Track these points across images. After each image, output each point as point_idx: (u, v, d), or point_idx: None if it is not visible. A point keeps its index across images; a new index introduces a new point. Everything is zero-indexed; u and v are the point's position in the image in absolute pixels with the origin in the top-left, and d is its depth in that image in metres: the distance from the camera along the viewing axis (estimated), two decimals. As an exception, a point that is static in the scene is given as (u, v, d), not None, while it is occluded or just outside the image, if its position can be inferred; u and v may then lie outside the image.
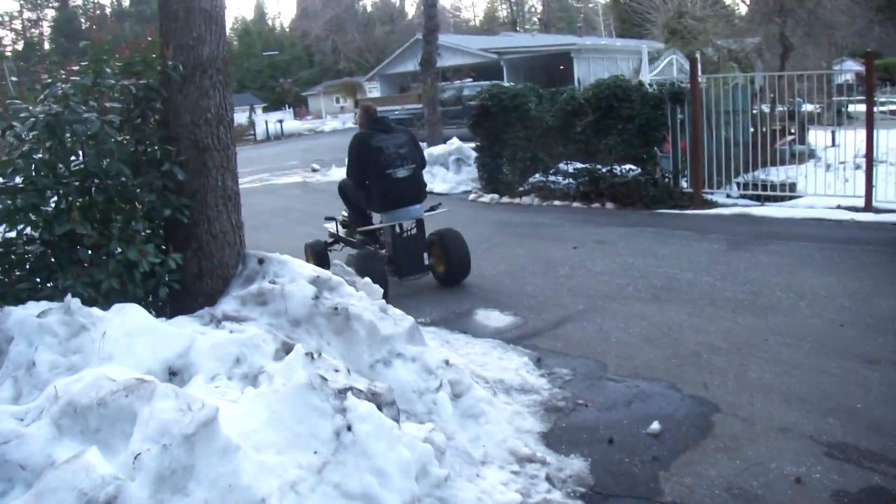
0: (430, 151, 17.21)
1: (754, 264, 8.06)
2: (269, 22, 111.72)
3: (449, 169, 16.70)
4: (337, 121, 55.25)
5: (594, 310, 6.97)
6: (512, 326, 6.80)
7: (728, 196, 12.03)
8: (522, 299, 7.56)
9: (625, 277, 7.94)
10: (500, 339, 6.37)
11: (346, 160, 8.49)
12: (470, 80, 25.76)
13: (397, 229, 8.28)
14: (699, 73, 12.27)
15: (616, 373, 5.45)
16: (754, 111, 12.39)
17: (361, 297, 5.20)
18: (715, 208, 11.44)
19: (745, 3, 20.59)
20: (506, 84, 14.94)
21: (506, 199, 13.99)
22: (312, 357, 3.70)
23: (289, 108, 61.12)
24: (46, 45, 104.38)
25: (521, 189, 14.02)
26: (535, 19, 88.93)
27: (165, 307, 5.34)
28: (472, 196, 14.84)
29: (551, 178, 13.63)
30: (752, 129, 12.15)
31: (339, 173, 20.24)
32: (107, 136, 4.79)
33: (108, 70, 5.22)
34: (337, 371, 3.76)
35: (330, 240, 9.38)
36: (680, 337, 6.03)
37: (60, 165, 4.89)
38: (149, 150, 5.37)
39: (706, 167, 11.86)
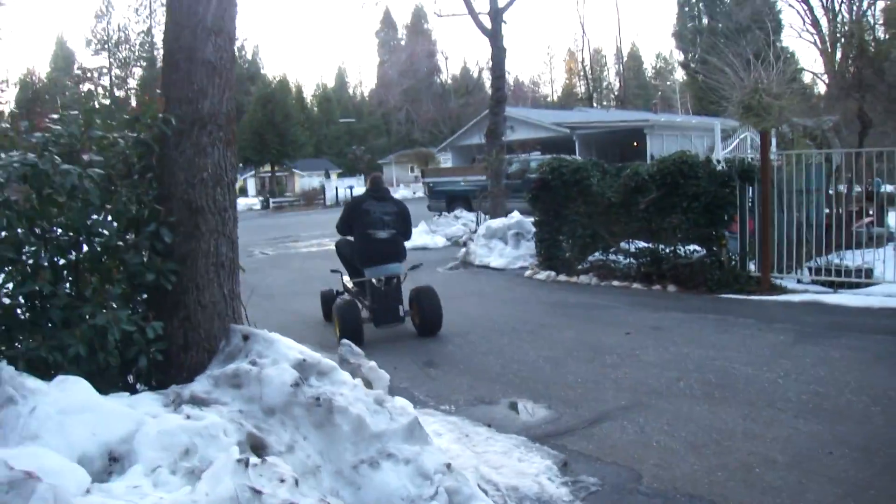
0: (489, 224, 16.73)
1: (823, 360, 7.20)
2: (351, 90, 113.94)
3: (507, 243, 16.11)
4: (408, 190, 55.38)
5: (638, 407, 6.23)
6: (542, 421, 6.10)
7: (798, 281, 11.14)
8: (560, 390, 6.85)
9: (677, 370, 7.18)
10: (526, 437, 5.66)
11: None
12: (538, 153, 25.20)
13: (375, 283, 9.30)
14: (772, 149, 11.53)
15: (651, 485, 4.70)
16: (830, 191, 11.54)
17: (356, 386, 4.61)
18: (783, 294, 10.56)
19: (823, 81, 19.78)
20: (569, 157, 14.37)
21: (563, 278, 13.30)
22: (247, 464, 3.09)
23: (361, 175, 61.53)
24: (133, 103, 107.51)
25: (579, 267, 13.34)
26: (612, 96, 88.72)
27: (150, 378, 4.87)
28: (528, 272, 14.20)
29: (611, 256, 12.96)
30: (826, 210, 11.28)
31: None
32: (87, 190, 4.36)
33: (97, 121, 4.84)
34: (283, 481, 3.14)
35: (340, 289, 10.46)
36: (730, 444, 5.24)
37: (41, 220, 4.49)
38: (143, 208, 4.92)
39: (776, 250, 11.02)
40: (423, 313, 9.51)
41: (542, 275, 13.68)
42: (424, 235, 20.67)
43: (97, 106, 5.04)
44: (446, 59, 58.24)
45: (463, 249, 17.07)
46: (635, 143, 32.40)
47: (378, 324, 9.39)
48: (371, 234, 9.31)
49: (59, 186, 4.29)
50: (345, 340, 5.93)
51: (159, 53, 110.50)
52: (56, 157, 4.32)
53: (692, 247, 11.77)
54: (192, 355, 4.93)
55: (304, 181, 73.71)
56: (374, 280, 9.31)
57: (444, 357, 8.44)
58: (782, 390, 6.35)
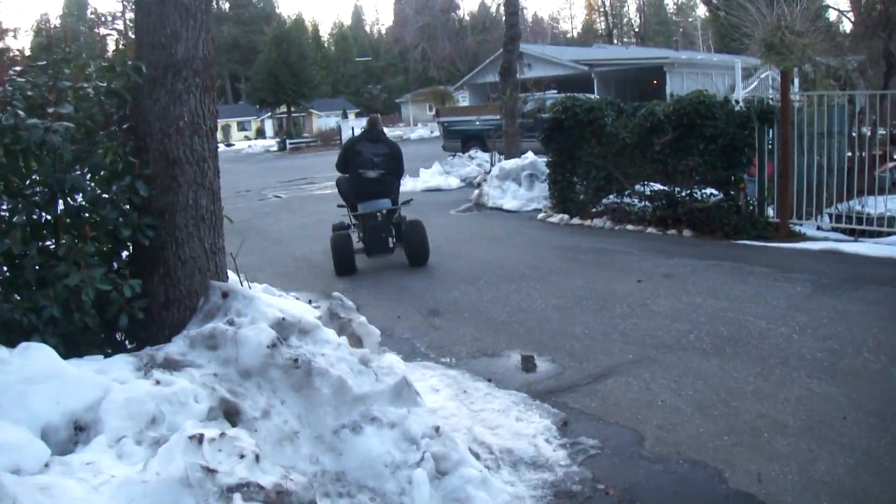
0: (501, 166, 16.39)
1: (840, 314, 6.89)
2: (368, 28, 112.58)
3: (521, 185, 15.77)
4: (426, 129, 54.84)
5: (645, 361, 5.98)
6: (545, 376, 5.87)
7: (818, 228, 10.76)
8: (566, 342, 6.61)
9: (688, 322, 6.91)
10: (527, 393, 5.44)
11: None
12: (554, 91, 24.63)
13: (366, 217, 10.15)
14: (793, 89, 11.08)
15: (654, 448, 4.47)
16: (853, 134, 11.07)
17: (340, 345, 4.38)
18: (802, 242, 10.21)
19: (849, 19, 19.10)
20: (585, 96, 13.93)
21: (576, 221, 12.99)
22: (200, 440, 2.86)
23: (377, 114, 60.69)
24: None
25: (593, 210, 13.02)
26: (633, 33, 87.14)
27: (134, 337, 4.69)
28: (541, 215, 13.89)
29: (626, 199, 12.61)
30: (849, 154, 10.82)
31: (413, 183, 19.60)
32: (55, 145, 4.10)
33: (66, 71, 4.56)
34: (242, 457, 2.91)
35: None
36: (739, 405, 4.99)
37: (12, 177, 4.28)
38: (118, 161, 4.66)
39: (795, 195, 10.62)
40: (410, 245, 10.30)
41: (556, 218, 13.37)
42: (438, 176, 20.36)
43: (68, 54, 4.72)
44: (462, -6, 57.02)
45: (476, 191, 16.77)
46: (655, 82, 31.71)
47: (369, 254, 10.28)
48: (361, 173, 10.20)
49: (26, 142, 4.04)
50: (336, 294, 5.70)
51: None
52: (20, 111, 4.05)
53: (709, 190, 11.41)
54: (174, 313, 4.70)
55: (322, 121, 73.11)
56: (366, 214, 10.13)
57: (450, 305, 8.21)
58: (796, 347, 6.07)
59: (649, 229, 11.74)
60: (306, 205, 18.88)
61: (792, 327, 6.53)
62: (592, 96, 16.87)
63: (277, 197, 21.78)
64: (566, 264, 9.77)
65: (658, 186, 12.12)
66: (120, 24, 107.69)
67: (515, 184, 15.88)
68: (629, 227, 12.03)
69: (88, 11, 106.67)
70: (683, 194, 11.62)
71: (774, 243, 10.22)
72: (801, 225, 10.75)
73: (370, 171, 10.20)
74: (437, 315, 7.87)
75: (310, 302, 9.01)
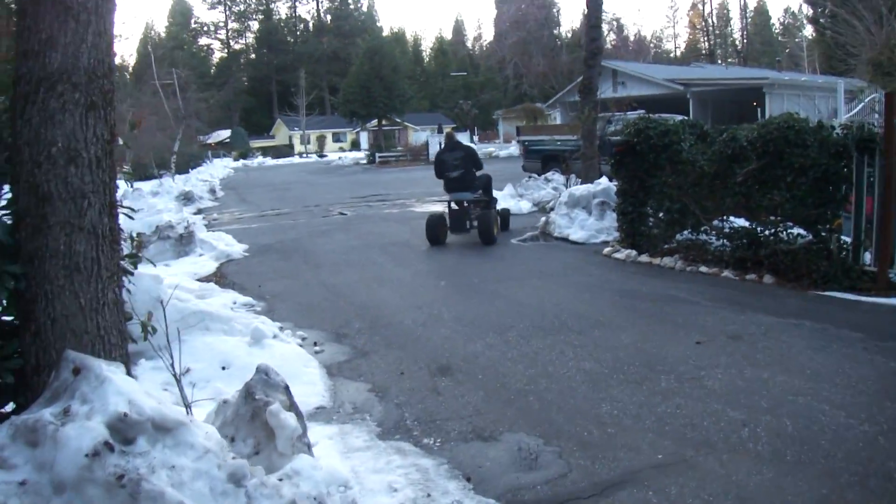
0: (571, 192, 15.00)
1: (950, 408, 5.35)
2: (469, 43, 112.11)
3: (591, 213, 14.32)
4: (517, 147, 53.47)
5: (678, 466, 4.57)
6: (542, 479, 4.53)
7: (926, 282, 9.06)
8: (585, 426, 5.25)
9: (746, 408, 5.43)
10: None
11: None
12: (641, 111, 23.01)
13: (453, 205, 14.31)
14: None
15: None
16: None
17: (207, 452, 3.21)
18: (905, 298, 8.57)
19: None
20: (660, 117, 12.42)
21: (644, 258, 11.50)
22: None
23: (466, 130, 59.89)
24: (252, 56, 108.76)
25: (664, 247, 11.52)
26: (736, 53, 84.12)
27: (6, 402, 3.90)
28: (606, 249, 12.43)
29: (702, 236, 11.08)
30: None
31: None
32: None
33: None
34: None
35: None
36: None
37: None
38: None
39: (899, 239, 8.97)
40: (480, 229, 13.99)
41: (622, 253, 11.92)
42: (509, 199, 19.04)
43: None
44: (557, 11, 55.56)
45: (543, 218, 15.39)
46: (754, 103, 29.68)
47: (451, 231, 14.33)
48: (448, 174, 14.17)
49: None
50: (263, 365, 4.49)
51: (276, 6, 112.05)
52: None
53: (797, 230, 9.82)
54: (44, 380, 3.73)
55: (417, 135, 72.55)
56: (451, 203, 14.27)
57: (466, 361, 6.94)
58: (882, 457, 4.56)
59: (725, 272, 10.19)
60: (366, 224, 17.83)
61: (879, 425, 5.00)
62: (677, 117, 15.33)
63: (342, 214, 20.82)
64: (618, 314, 8.35)
65: (739, 223, 10.58)
66: (223, 34, 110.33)
67: (585, 212, 14.45)
68: (703, 268, 10.49)
69: (192, 21, 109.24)
70: (767, 233, 10.06)
71: (870, 297, 8.55)
72: (904, 276, 9.05)
73: (453, 172, 14.06)
74: (447, 374, 6.61)
75: (315, 344, 7.95)
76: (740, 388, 5.84)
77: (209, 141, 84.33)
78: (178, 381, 4.88)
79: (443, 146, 15.13)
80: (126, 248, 5.92)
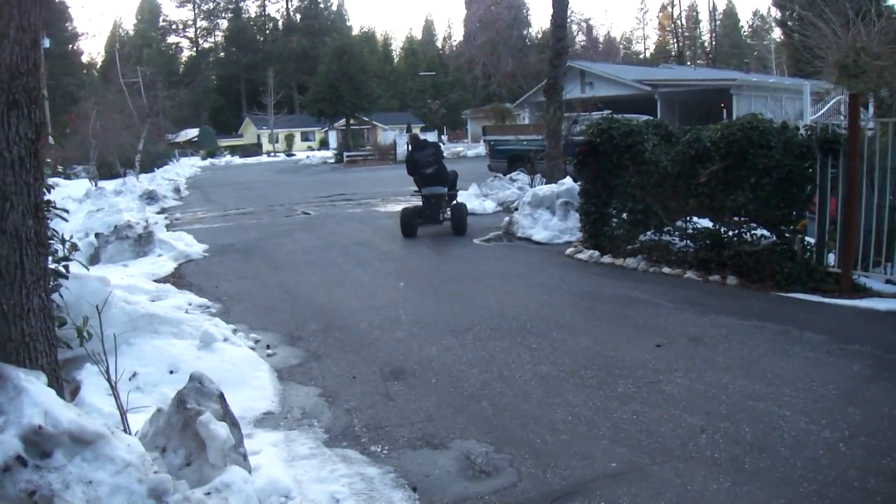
0: (535, 192, 14.83)
1: (911, 412, 5.23)
2: (439, 43, 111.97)
3: (555, 214, 14.16)
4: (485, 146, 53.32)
5: (631, 475, 4.41)
6: (490, 488, 4.35)
7: (888, 282, 8.93)
8: (538, 432, 5.07)
9: (704, 413, 5.28)
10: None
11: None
12: (608, 111, 22.92)
13: (428, 198, 15.01)
14: (866, 115, 9.31)
15: None
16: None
17: (127, 466, 3.01)
18: (867, 299, 8.38)
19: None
20: (623, 117, 12.26)
21: (607, 259, 11.36)
22: None
23: (434, 129, 59.75)
24: (221, 54, 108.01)
25: (628, 248, 11.39)
26: (706, 55, 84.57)
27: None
28: (569, 250, 12.28)
29: (665, 237, 10.96)
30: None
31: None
32: None
33: None
34: None
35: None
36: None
37: None
38: None
39: (862, 240, 8.86)
40: (454, 220, 14.98)
41: (585, 254, 11.77)
42: (474, 199, 18.85)
43: None
44: (526, 12, 55.36)
45: (507, 218, 15.20)
46: (721, 105, 29.69)
47: (426, 222, 15.05)
48: (423, 171, 15.15)
49: None
50: (197, 372, 4.28)
51: (245, 5, 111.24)
52: None
53: (760, 231, 9.73)
54: None
55: (386, 135, 72.22)
56: (427, 196, 15.02)
57: (421, 364, 6.76)
58: (844, 464, 4.42)
59: (688, 273, 10.07)
60: (329, 224, 17.59)
61: (840, 431, 4.87)
62: (642, 117, 15.23)
63: (306, 214, 20.53)
64: (578, 316, 8.19)
65: (702, 224, 10.48)
66: (191, 33, 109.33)
67: (549, 212, 14.29)
68: (665, 269, 10.37)
69: (161, 19, 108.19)
70: (731, 234, 9.97)
71: (833, 299, 8.45)
72: (867, 277, 8.95)
73: (427, 168, 15.11)
74: (400, 378, 6.41)
75: (267, 347, 7.74)
76: (699, 392, 5.69)
77: (177, 139, 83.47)
78: (114, 388, 4.63)
79: (411, 147, 16.12)
80: (62, 250, 5.69)
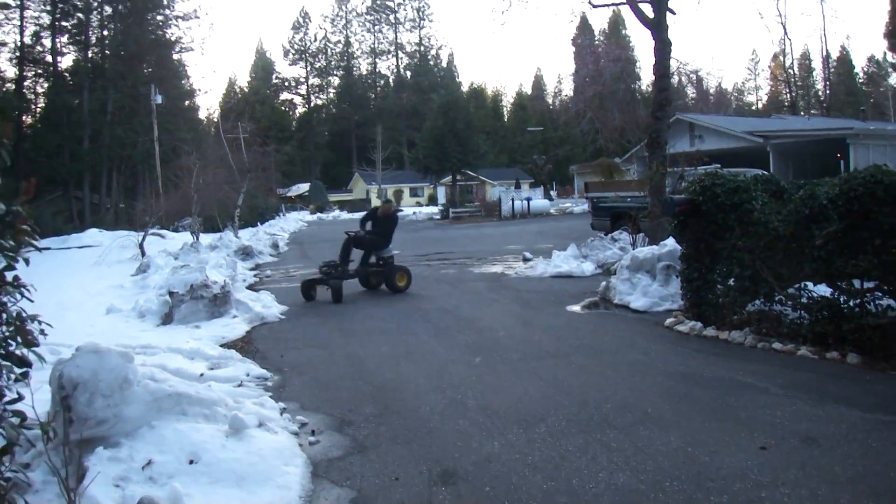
0: (634, 254, 13.70)
1: None
2: (550, 98, 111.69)
3: (655, 278, 12.98)
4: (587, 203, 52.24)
5: None
6: None
7: None
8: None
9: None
10: None
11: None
12: (716, 165, 21.55)
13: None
14: None
15: None
16: None
17: None
18: None
19: None
20: (729, 171, 11.09)
21: (710, 332, 10.14)
22: None
23: (542, 186, 58.97)
24: (333, 111, 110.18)
25: (734, 318, 10.16)
26: (820, 104, 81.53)
27: None
28: (669, 320, 11.09)
29: (776, 307, 9.70)
30: None
31: (543, 267, 17.24)
32: None
33: None
34: None
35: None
36: None
37: None
38: None
39: None
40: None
41: (686, 326, 10.58)
42: (572, 261, 17.80)
43: None
44: (636, 65, 54.28)
45: (603, 283, 14.08)
46: (838, 155, 27.91)
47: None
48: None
49: None
50: (147, 499, 3.40)
51: (356, 62, 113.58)
52: None
53: (887, 301, 8.42)
54: None
55: (495, 191, 71.83)
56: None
57: (477, 466, 5.76)
58: None
59: (802, 350, 8.78)
60: (416, 286, 16.71)
61: None
62: (750, 172, 14.00)
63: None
64: (671, 406, 7.04)
65: (819, 292, 9.18)
66: (303, 90, 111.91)
67: (649, 276, 13.12)
68: (776, 344, 9.10)
69: (274, 76, 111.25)
70: (851, 304, 8.66)
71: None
72: None
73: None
74: (449, 482, 5.44)
75: (312, 433, 6.89)
76: (812, 521, 4.51)
77: (289, 194, 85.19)
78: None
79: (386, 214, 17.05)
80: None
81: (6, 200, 3.93)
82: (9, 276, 3.91)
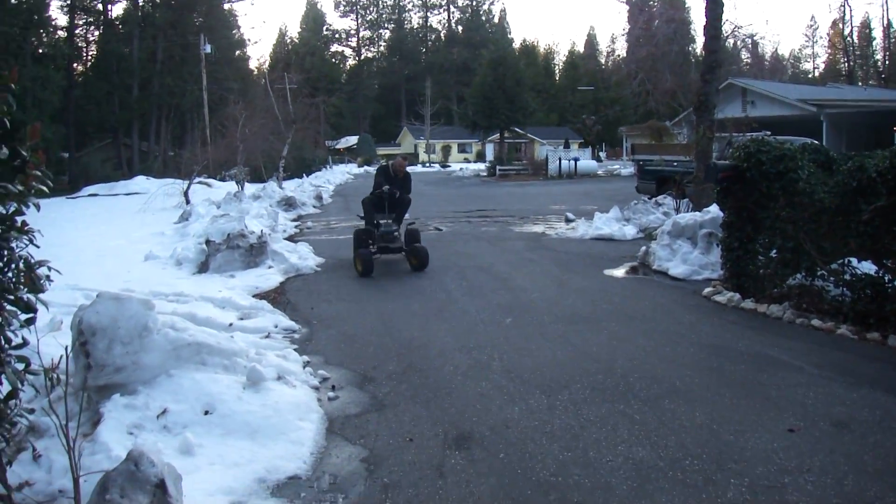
0: (676, 220, 13.39)
1: None
2: (602, 58, 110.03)
3: (696, 245, 12.67)
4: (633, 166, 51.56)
5: None
6: None
7: None
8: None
9: (839, 541, 3.95)
10: None
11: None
12: (766, 132, 20.97)
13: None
14: None
15: None
16: None
17: None
18: None
19: None
20: (773, 140, 10.70)
21: (748, 304, 9.87)
22: None
23: (591, 147, 58.28)
24: (383, 64, 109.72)
25: (773, 291, 9.88)
26: (878, 74, 79.16)
27: None
28: (707, 289, 10.82)
29: (818, 282, 9.39)
30: None
31: (584, 228, 17.02)
32: None
33: None
34: None
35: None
36: None
37: None
38: None
39: None
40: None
41: (724, 296, 10.32)
42: (613, 223, 17.51)
43: None
44: (690, 26, 52.98)
45: (643, 248, 13.82)
46: (894, 129, 27.08)
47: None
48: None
49: None
50: (136, 451, 3.35)
51: (408, 16, 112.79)
52: None
53: (934, 282, 8.10)
54: None
55: (544, 149, 71.17)
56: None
57: (495, 429, 5.66)
58: None
59: (842, 329, 8.49)
60: (457, 243, 16.68)
61: None
62: (799, 140, 13.59)
63: (438, 230, 19.69)
64: (699, 379, 6.84)
65: (863, 269, 8.85)
66: (354, 42, 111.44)
67: (690, 244, 12.82)
68: (815, 321, 8.81)
69: (324, 28, 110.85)
70: (896, 284, 8.35)
71: None
72: None
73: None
74: (463, 446, 5.33)
75: (332, 388, 6.81)
76: (836, 508, 4.33)
77: (337, 146, 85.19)
78: (70, 451, 3.75)
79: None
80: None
81: (18, 145, 3.84)
82: (18, 220, 3.83)
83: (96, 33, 61.22)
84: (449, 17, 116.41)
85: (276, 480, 4.84)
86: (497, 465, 5.02)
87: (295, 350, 7.86)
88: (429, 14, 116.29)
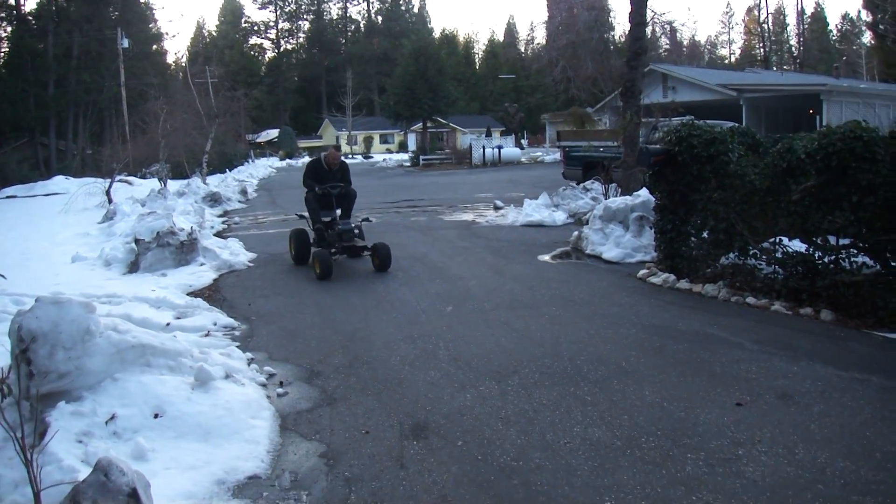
0: (607, 204, 13.53)
1: None
2: (522, 46, 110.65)
3: (628, 229, 12.88)
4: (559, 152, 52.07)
5: None
6: None
7: None
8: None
9: (796, 510, 4.07)
10: None
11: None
12: (689, 117, 21.41)
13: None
14: None
15: None
16: None
17: None
18: None
19: None
20: (701, 123, 10.90)
21: (684, 284, 10.08)
22: None
23: (513, 134, 58.61)
24: (303, 56, 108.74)
25: (707, 272, 10.11)
26: (793, 60, 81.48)
27: None
28: (642, 272, 11.02)
29: (750, 261, 9.63)
30: None
31: (515, 215, 17.10)
32: None
33: None
34: None
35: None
36: None
37: None
38: None
39: None
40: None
41: (659, 278, 10.51)
42: (543, 210, 17.66)
43: None
44: (609, 14, 53.73)
45: (575, 233, 13.97)
46: (811, 112, 27.88)
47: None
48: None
49: None
50: (105, 460, 3.28)
51: (327, 7, 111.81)
52: None
53: (862, 259, 8.35)
54: None
55: (466, 138, 71.28)
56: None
57: (449, 418, 5.66)
58: None
59: (776, 305, 8.74)
60: (388, 234, 16.48)
61: None
62: (726, 124, 13.88)
63: (367, 220, 19.30)
64: (645, 359, 6.96)
65: (794, 247, 9.10)
66: (273, 34, 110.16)
67: (622, 227, 13.01)
68: (750, 299, 9.05)
69: (243, 20, 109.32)
70: (826, 261, 8.59)
71: (954, 346, 7.08)
72: None
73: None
74: (421, 436, 5.33)
75: (280, 384, 6.74)
76: (789, 479, 4.46)
77: (258, 140, 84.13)
78: (28, 462, 3.64)
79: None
80: None
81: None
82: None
83: (9, 29, 59.27)
84: (368, 7, 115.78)
85: (235, 481, 4.77)
86: (456, 452, 5.03)
87: (238, 347, 7.73)
88: (348, 4, 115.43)
